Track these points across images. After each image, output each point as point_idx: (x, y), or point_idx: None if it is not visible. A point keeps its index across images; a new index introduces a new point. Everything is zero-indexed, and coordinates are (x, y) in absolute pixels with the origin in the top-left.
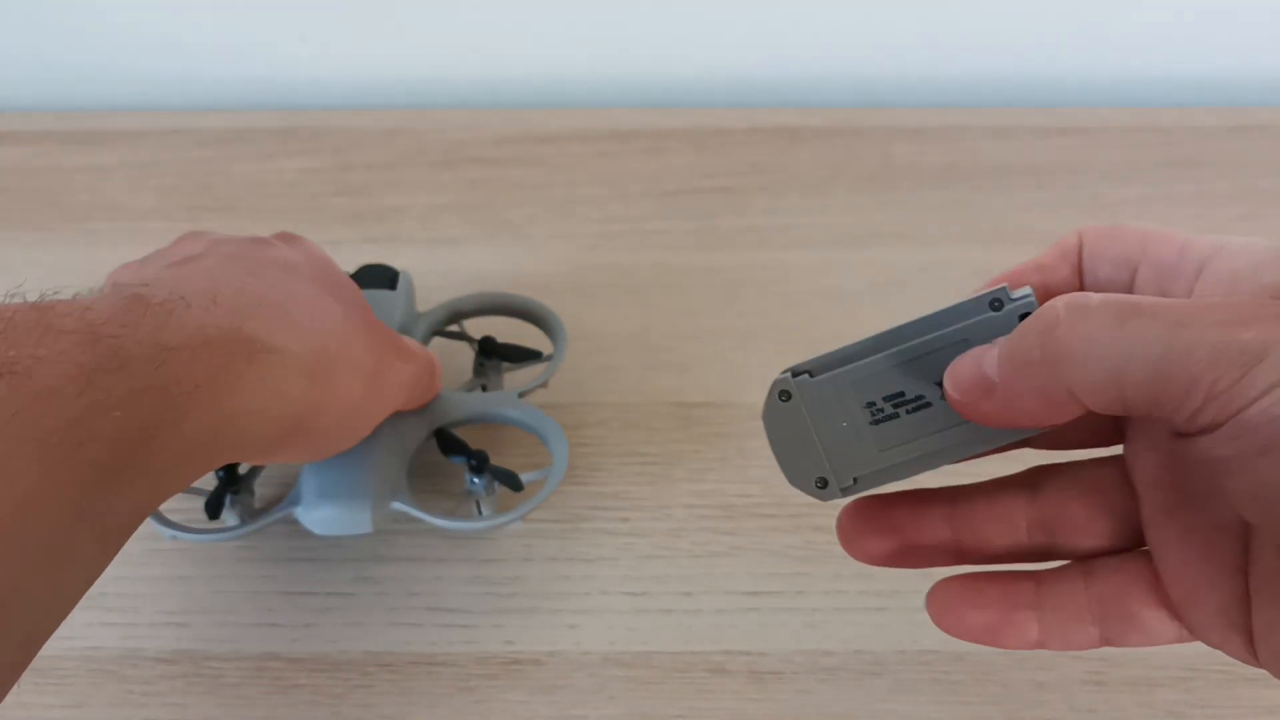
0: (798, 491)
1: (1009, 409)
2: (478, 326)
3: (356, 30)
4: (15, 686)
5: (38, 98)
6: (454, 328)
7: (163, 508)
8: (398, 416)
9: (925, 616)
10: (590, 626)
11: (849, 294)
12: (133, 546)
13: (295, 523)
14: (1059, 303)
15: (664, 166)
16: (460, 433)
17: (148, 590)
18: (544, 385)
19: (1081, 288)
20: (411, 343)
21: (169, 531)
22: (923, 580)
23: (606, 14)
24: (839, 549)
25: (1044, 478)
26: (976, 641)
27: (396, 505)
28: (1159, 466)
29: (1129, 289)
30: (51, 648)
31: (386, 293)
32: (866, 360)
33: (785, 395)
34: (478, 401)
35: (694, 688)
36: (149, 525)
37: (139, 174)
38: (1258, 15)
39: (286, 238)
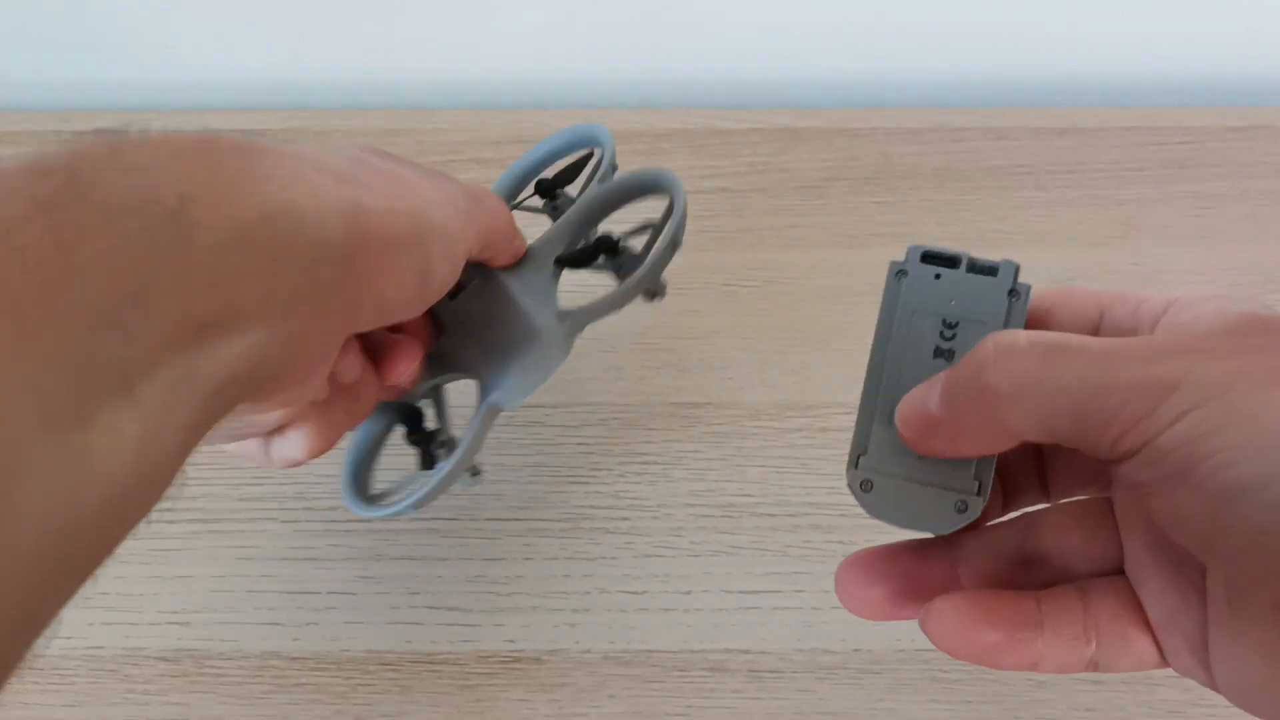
0: (797, 491)
1: (953, 442)
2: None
3: (357, 30)
4: (18, 682)
5: (38, 98)
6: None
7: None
8: (520, 272)
9: None
10: (590, 625)
11: (848, 294)
12: (134, 545)
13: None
14: (989, 343)
15: (663, 166)
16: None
17: (149, 589)
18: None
19: None
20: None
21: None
22: None
23: (606, 14)
24: (838, 548)
25: (1037, 513)
26: (977, 662)
27: (568, 321)
28: (1130, 495)
29: None
30: (52, 646)
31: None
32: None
33: (866, 485)
34: (564, 219)
35: (693, 686)
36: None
37: None
38: (1257, 15)
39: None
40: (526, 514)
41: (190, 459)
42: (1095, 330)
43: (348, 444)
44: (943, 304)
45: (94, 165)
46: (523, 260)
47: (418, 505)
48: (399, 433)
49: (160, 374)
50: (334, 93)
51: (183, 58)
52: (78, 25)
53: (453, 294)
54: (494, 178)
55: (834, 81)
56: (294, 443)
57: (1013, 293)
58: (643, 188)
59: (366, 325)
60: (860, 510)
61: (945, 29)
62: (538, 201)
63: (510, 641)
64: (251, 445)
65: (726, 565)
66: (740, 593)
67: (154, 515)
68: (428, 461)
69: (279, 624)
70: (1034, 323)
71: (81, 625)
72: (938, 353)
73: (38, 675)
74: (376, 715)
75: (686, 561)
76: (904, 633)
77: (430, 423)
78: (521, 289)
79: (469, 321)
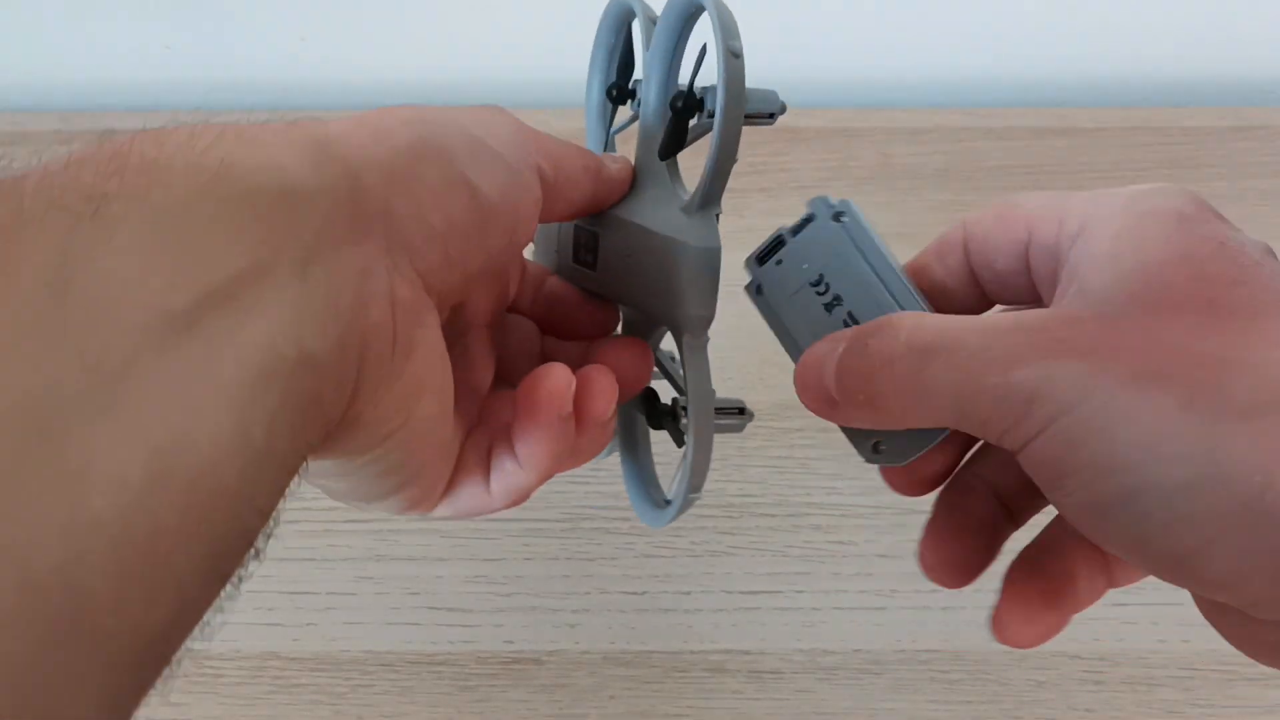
0: (797, 491)
1: (851, 421)
2: None
3: (357, 31)
4: None
5: (38, 98)
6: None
7: None
8: (637, 196)
9: (924, 615)
10: (590, 625)
11: None
12: None
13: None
14: (873, 349)
15: None
16: None
17: None
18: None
19: (976, 280)
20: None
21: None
22: (922, 580)
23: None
24: (838, 548)
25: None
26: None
27: (697, 200)
28: None
29: (1026, 277)
30: None
31: None
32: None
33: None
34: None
35: (693, 687)
36: None
37: None
38: (1257, 16)
39: None
40: (526, 514)
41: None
42: (1026, 253)
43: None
44: (801, 277)
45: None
46: (635, 183)
47: (696, 486)
48: None
49: (148, 384)
50: (334, 93)
51: (183, 57)
52: (78, 25)
53: (590, 263)
54: None
55: (834, 81)
56: (515, 469)
57: (838, 217)
58: (684, 10)
59: (432, 271)
60: (861, 511)
61: (945, 29)
62: (624, 116)
63: (510, 642)
64: (469, 499)
65: (726, 565)
66: (740, 593)
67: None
68: (679, 438)
69: (278, 624)
70: (973, 252)
71: None
72: (829, 308)
73: None
74: (376, 716)
75: (686, 561)
76: (904, 633)
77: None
78: (645, 211)
79: (620, 278)
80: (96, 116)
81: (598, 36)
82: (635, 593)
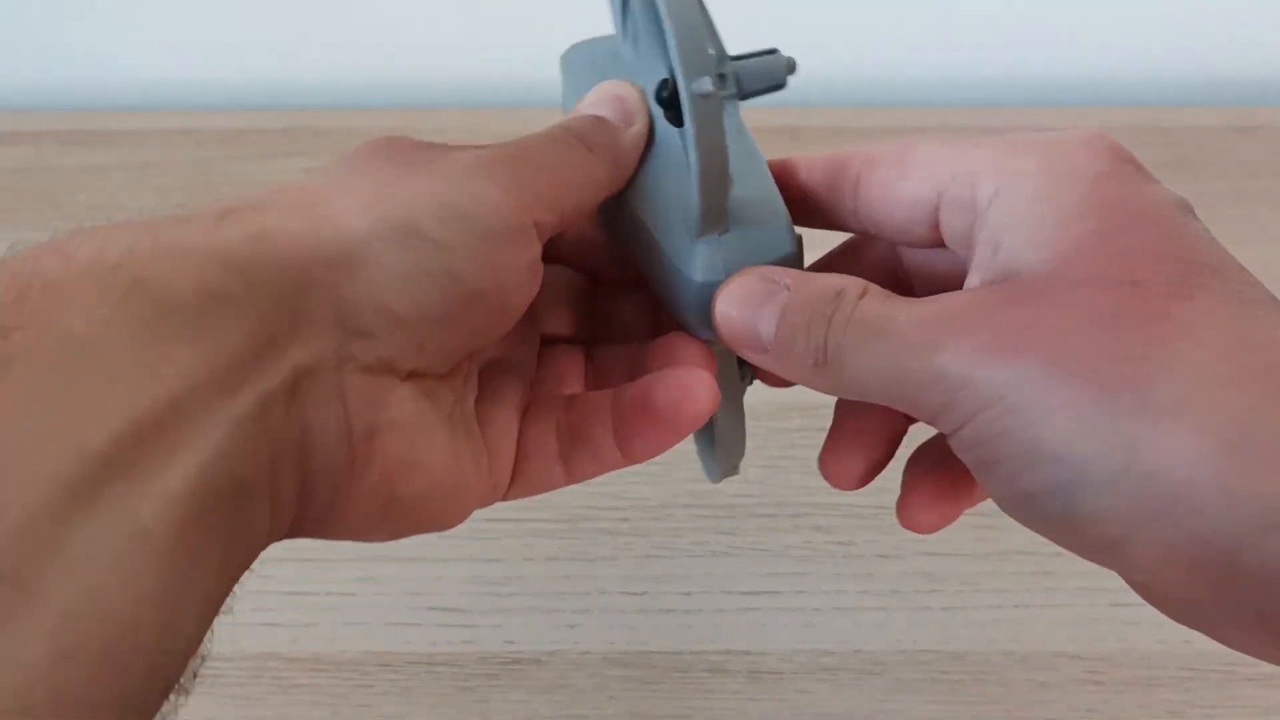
0: (797, 491)
1: (777, 372)
2: None
3: (357, 30)
4: None
5: (38, 98)
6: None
7: None
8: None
9: (925, 616)
10: (590, 626)
11: None
12: None
13: None
14: (832, 318)
15: None
16: None
17: None
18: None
19: (849, 214)
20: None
21: None
22: (922, 580)
23: (606, 15)
24: (839, 549)
25: None
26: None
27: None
28: None
29: (924, 227)
30: None
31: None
32: None
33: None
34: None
35: (693, 687)
36: None
37: (139, 174)
38: (1258, 16)
39: None
40: (526, 514)
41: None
42: (933, 210)
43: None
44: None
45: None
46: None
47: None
48: None
49: (63, 549)
50: (334, 93)
51: (183, 57)
52: (78, 25)
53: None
54: None
55: (834, 81)
56: (614, 458)
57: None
58: None
59: (400, 356)
60: (861, 511)
61: (945, 29)
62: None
63: (510, 643)
64: (541, 482)
65: (726, 565)
66: (740, 593)
67: None
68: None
69: (277, 625)
70: (864, 196)
71: None
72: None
73: None
74: (375, 717)
75: (686, 562)
76: (904, 633)
77: None
78: (657, 211)
79: (638, 256)
80: (96, 116)
81: None
82: (635, 593)
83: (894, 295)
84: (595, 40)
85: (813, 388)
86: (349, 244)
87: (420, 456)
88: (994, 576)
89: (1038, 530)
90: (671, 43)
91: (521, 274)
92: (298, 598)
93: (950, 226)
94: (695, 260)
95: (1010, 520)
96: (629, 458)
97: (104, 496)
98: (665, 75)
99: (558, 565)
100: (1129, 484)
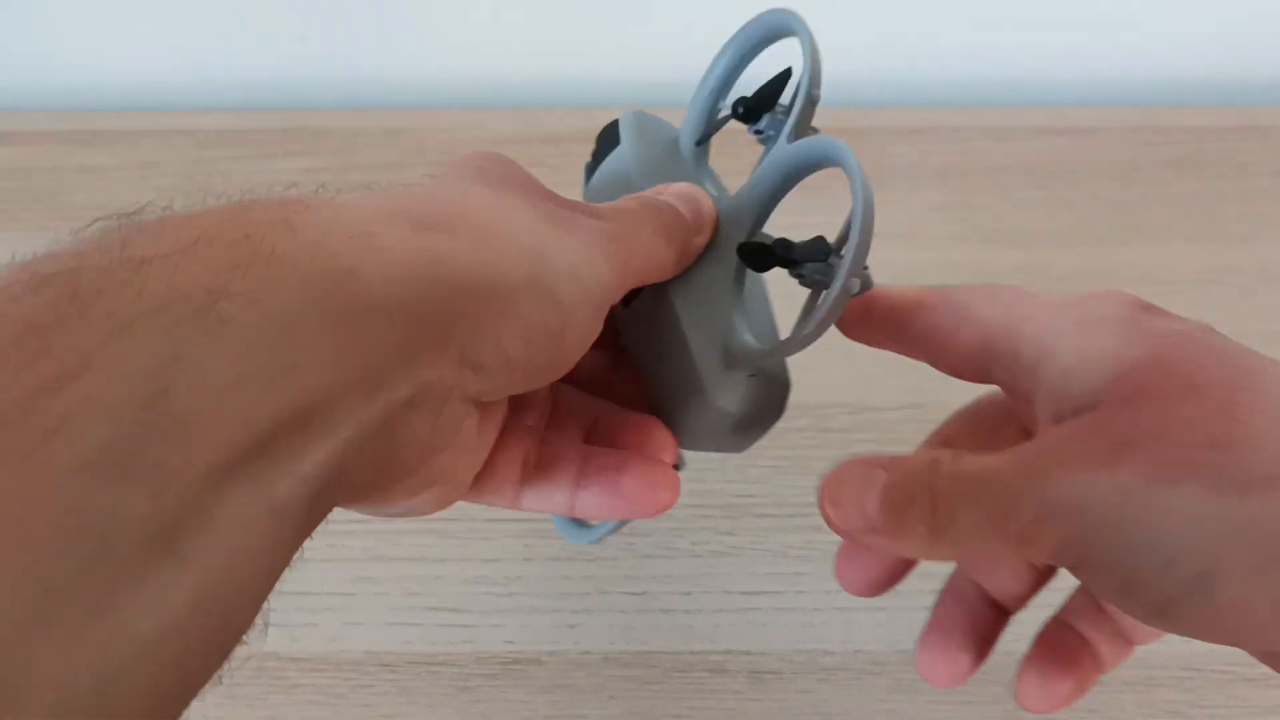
0: (797, 491)
1: (896, 552)
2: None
3: (357, 30)
4: None
5: (38, 98)
6: (724, 115)
7: None
8: (684, 276)
9: (925, 616)
10: (590, 626)
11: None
12: None
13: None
14: (937, 487)
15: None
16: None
17: None
18: (814, 101)
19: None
20: (629, 198)
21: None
22: (922, 580)
23: (606, 14)
24: (838, 548)
25: None
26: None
27: (737, 373)
28: None
29: (974, 370)
30: None
31: (613, 156)
32: None
33: None
34: (749, 189)
35: (694, 687)
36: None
37: (139, 174)
38: (1258, 15)
39: None
40: (526, 514)
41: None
42: (982, 358)
43: None
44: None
45: (100, 267)
46: (706, 251)
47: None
48: None
49: (215, 512)
50: (334, 93)
51: (184, 56)
52: (78, 25)
53: (627, 299)
54: None
55: (834, 81)
56: (565, 504)
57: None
58: (811, 163)
59: (490, 391)
60: None
61: (945, 29)
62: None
63: (510, 643)
64: (497, 492)
65: (726, 565)
66: (740, 593)
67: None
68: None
69: (277, 625)
70: (925, 341)
71: None
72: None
73: None
74: (375, 717)
75: (686, 562)
76: (904, 633)
77: None
78: (691, 307)
79: (640, 342)
80: (96, 116)
81: (748, 33)
82: (635, 593)
83: (984, 454)
84: (654, 120)
85: (933, 558)
86: (504, 291)
87: (459, 470)
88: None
89: (1184, 632)
90: (854, 243)
91: (594, 336)
92: (298, 598)
93: (1000, 376)
94: (726, 389)
95: None
96: (577, 511)
97: (255, 470)
98: (750, 223)
99: (558, 565)
100: (1250, 553)
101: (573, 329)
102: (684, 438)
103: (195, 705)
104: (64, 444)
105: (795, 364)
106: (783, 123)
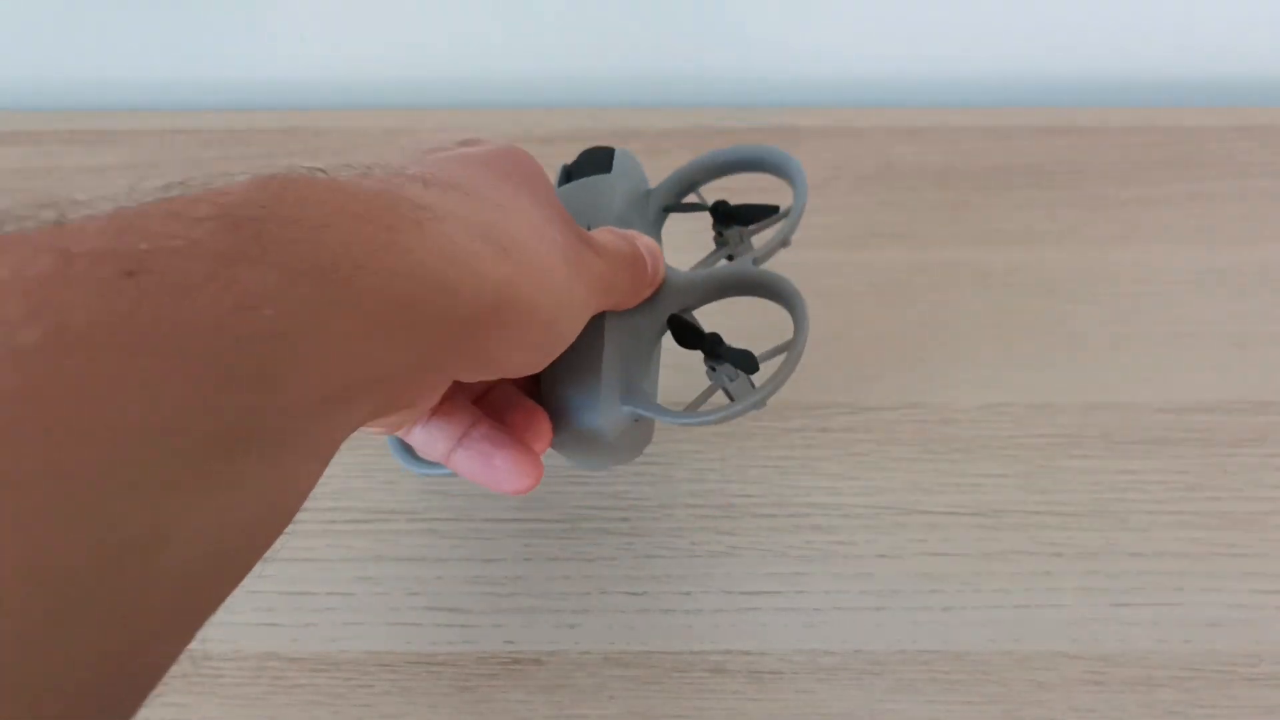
0: (797, 491)
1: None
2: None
3: (356, 30)
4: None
5: (38, 98)
6: (691, 199)
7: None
8: (623, 315)
9: (925, 616)
10: (590, 626)
11: (849, 294)
12: None
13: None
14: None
15: (664, 167)
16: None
17: None
18: (785, 244)
19: None
20: (614, 235)
21: (421, 469)
22: (922, 580)
23: (606, 14)
24: (838, 548)
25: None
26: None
27: (626, 408)
28: None
29: None
30: None
31: (601, 178)
32: None
33: None
34: (701, 278)
35: (694, 687)
36: None
37: (139, 174)
38: (1258, 15)
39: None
40: (526, 514)
41: None
42: None
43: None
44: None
45: (280, 222)
46: (645, 301)
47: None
48: None
49: (301, 433)
50: (334, 93)
51: (184, 56)
52: (78, 24)
53: None
54: None
55: (834, 81)
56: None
57: None
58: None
59: (475, 379)
60: (861, 511)
61: (945, 29)
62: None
63: (510, 643)
64: (468, 466)
65: (726, 565)
66: (740, 593)
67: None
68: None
69: (277, 625)
70: None
71: None
72: None
73: None
74: (375, 717)
75: (686, 562)
76: (904, 634)
77: None
78: (617, 339)
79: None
80: (96, 116)
81: (753, 151)
82: (635, 593)
83: None
84: (638, 165)
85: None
86: (536, 323)
87: (423, 411)
88: (994, 576)
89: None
90: (781, 378)
91: (566, 345)
92: (298, 598)
93: None
94: (612, 418)
95: (1010, 520)
96: (451, 464)
97: (337, 412)
98: (690, 302)
99: (558, 565)
100: None
101: (560, 348)
102: (556, 437)
103: (195, 704)
104: (235, 354)
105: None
106: (739, 234)
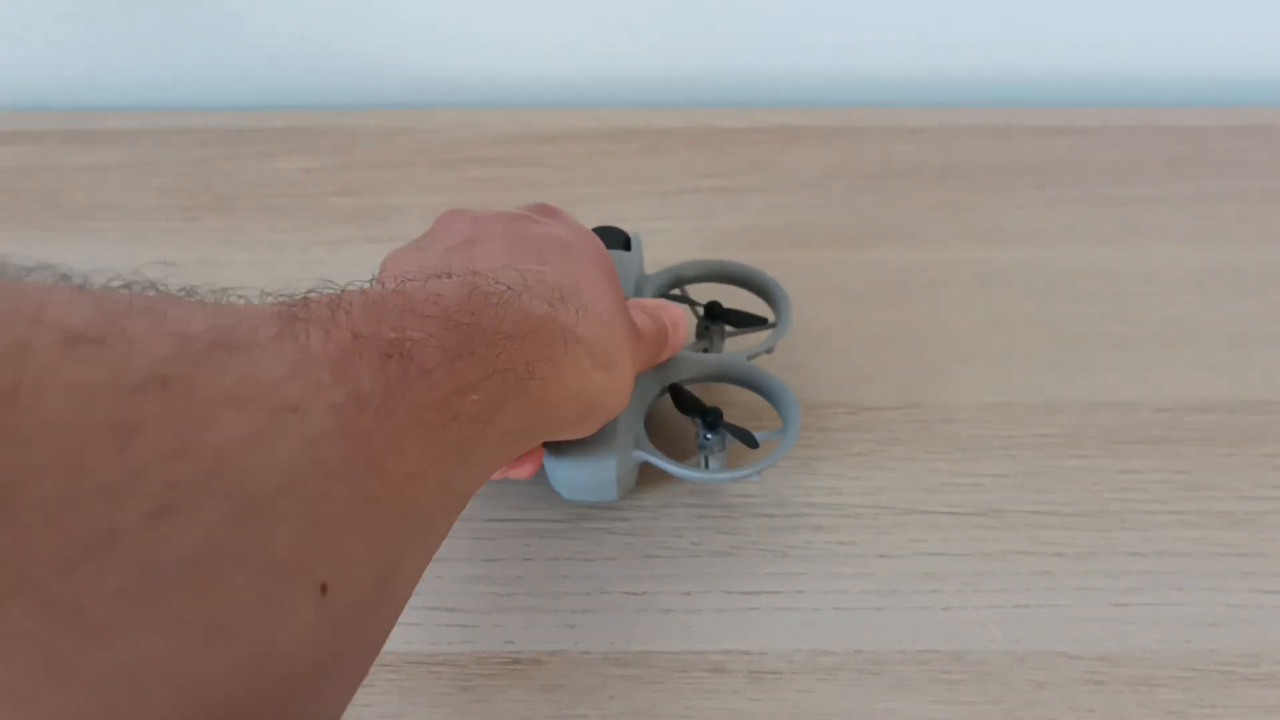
0: (798, 491)
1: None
2: (700, 293)
3: (356, 30)
4: None
5: (38, 98)
6: (676, 292)
7: None
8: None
9: (924, 615)
10: (590, 626)
11: (848, 293)
12: None
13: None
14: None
15: (663, 166)
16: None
17: None
18: (769, 351)
19: None
20: (647, 315)
21: None
22: (922, 580)
23: (606, 14)
24: (838, 548)
25: None
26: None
27: (638, 454)
28: None
29: None
30: None
31: (623, 253)
32: None
33: None
34: (710, 361)
35: (694, 687)
36: None
37: (139, 174)
38: (1258, 15)
39: (545, 210)
40: (526, 514)
41: None
42: None
43: None
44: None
45: (483, 330)
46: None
47: None
48: None
49: (469, 496)
50: (334, 92)
51: (184, 56)
52: (78, 24)
53: None
54: (494, 177)
55: (834, 81)
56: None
57: None
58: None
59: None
60: (861, 511)
61: (946, 29)
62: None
63: (510, 642)
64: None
65: (726, 565)
66: (740, 593)
67: None
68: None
69: None
70: None
71: None
72: None
73: None
74: (375, 717)
75: (686, 561)
76: (904, 633)
77: None
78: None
79: None
80: (96, 116)
81: (754, 273)
82: (635, 593)
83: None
84: (642, 256)
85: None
86: (607, 411)
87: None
88: (994, 576)
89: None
90: (780, 454)
91: None
92: None
93: None
94: (620, 458)
95: (1010, 520)
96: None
97: (478, 462)
98: (688, 376)
99: (558, 565)
100: None
101: (606, 417)
102: (560, 469)
103: None
104: (455, 428)
105: (795, 363)
106: (722, 332)
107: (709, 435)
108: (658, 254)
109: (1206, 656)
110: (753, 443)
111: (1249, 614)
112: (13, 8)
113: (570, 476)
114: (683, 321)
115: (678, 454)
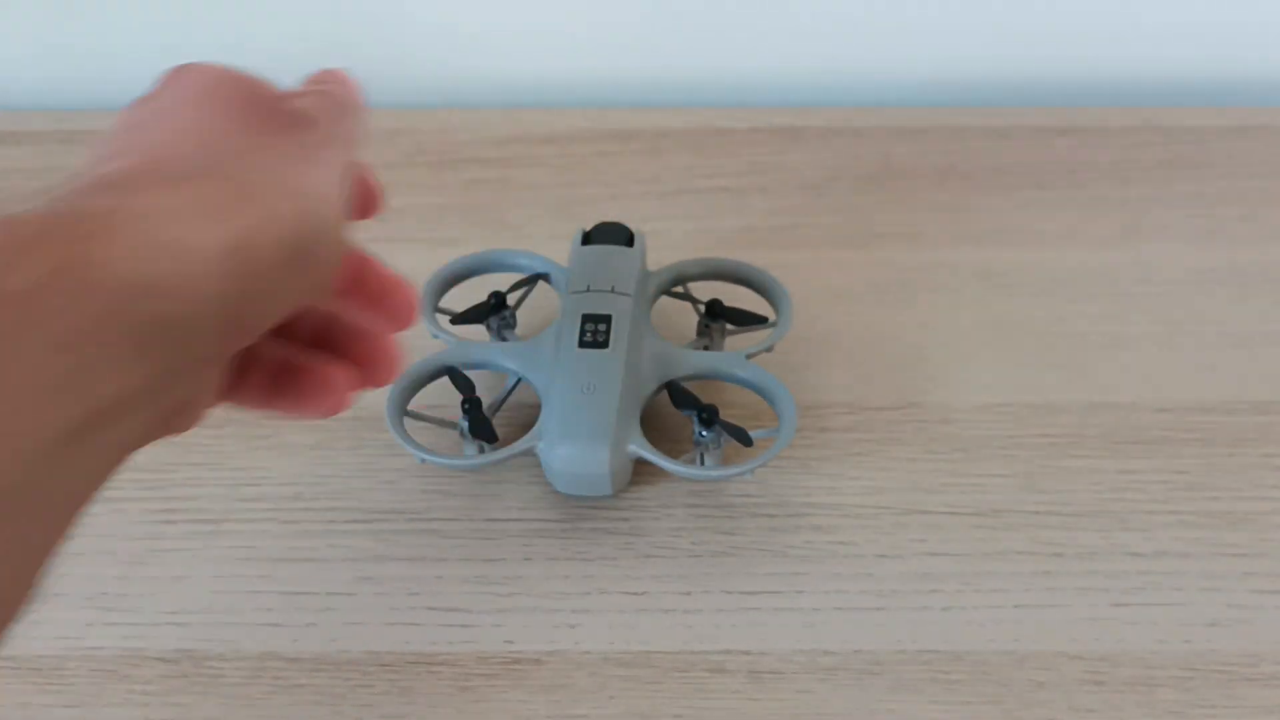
0: (797, 491)
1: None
2: (701, 291)
3: (356, 30)
4: (17, 683)
5: (38, 98)
6: (679, 290)
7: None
8: (632, 368)
9: (924, 615)
10: (590, 626)
11: (848, 294)
12: (133, 546)
13: (532, 457)
14: None
15: (663, 166)
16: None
17: (148, 590)
18: (768, 350)
19: None
20: (303, 87)
21: (420, 455)
22: (922, 580)
23: (606, 13)
24: (838, 548)
25: None
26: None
27: (633, 448)
28: None
29: None
30: (52, 647)
31: (626, 250)
32: None
33: None
34: (708, 359)
35: (693, 687)
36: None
37: None
38: (1258, 15)
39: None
40: (526, 514)
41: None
42: None
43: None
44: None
45: None
46: (650, 369)
47: None
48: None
49: (55, 473)
50: None
51: (184, 56)
52: (79, 24)
53: (580, 340)
54: (494, 177)
55: (834, 81)
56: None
57: None
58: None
59: (237, 349)
60: (861, 511)
61: (946, 29)
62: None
63: (510, 642)
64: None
65: (726, 565)
66: (740, 593)
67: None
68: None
69: (278, 625)
70: None
71: (80, 626)
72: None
73: (36, 676)
74: (375, 717)
75: (686, 561)
76: (904, 633)
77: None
78: (631, 385)
79: (559, 378)
80: (96, 116)
81: (718, 264)
82: (635, 593)
83: None
84: (644, 254)
85: None
86: (273, 275)
87: (211, 400)
88: (994, 576)
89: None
90: (770, 453)
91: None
92: (297, 598)
93: None
94: (617, 446)
95: (1010, 520)
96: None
97: (68, 453)
98: (684, 374)
99: (558, 565)
100: None
101: (324, 275)
102: (554, 461)
103: (195, 704)
104: None
105: (795, 363)
106: (722, 330)
107: (704, 432)
108: (658, 255)
109: (1206, 657)
110: (747, 440)
111: (1249, 614)
112: (13, 8)
113: (564, 468)
114: (347, 76)
115: (674, 451)
